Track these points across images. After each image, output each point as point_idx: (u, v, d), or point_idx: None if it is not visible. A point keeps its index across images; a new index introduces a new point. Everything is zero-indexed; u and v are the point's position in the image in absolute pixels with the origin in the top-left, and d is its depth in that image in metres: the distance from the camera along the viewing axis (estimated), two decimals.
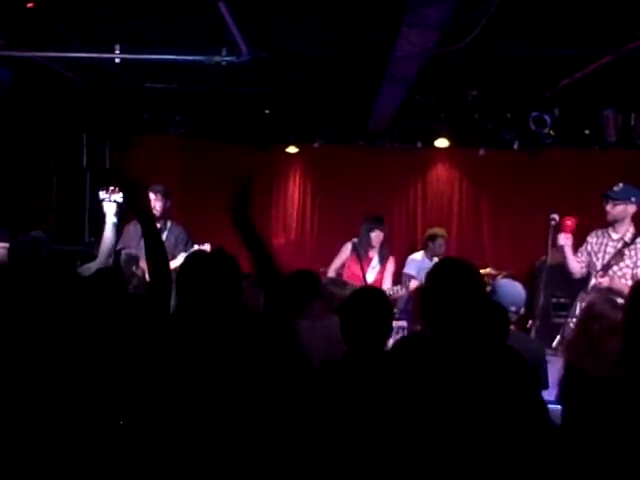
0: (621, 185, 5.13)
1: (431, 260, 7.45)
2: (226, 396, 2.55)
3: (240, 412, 2.54)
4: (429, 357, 2.58)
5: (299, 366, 3.08)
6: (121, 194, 5.00)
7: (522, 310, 4.14)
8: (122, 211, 5.28)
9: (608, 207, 5.11)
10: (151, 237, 2.91)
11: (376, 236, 6.64)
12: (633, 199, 5.10)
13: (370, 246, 6.71)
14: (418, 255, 7.42)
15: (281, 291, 2.74)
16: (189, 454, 2.48)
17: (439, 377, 2.48)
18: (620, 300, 4.70)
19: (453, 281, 2.64)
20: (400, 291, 6.47)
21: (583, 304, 4.70)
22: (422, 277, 7.37)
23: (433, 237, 7.13)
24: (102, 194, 5.32)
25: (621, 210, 5.09)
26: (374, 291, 3.31)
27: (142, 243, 5.90)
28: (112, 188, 5.24)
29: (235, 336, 2.68)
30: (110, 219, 5.17)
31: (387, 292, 6.34)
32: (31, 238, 5.07)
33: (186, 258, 2.94)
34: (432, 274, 2.77)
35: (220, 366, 2.61)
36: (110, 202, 5.16)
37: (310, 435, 2.58)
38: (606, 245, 5.17)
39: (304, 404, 2.64)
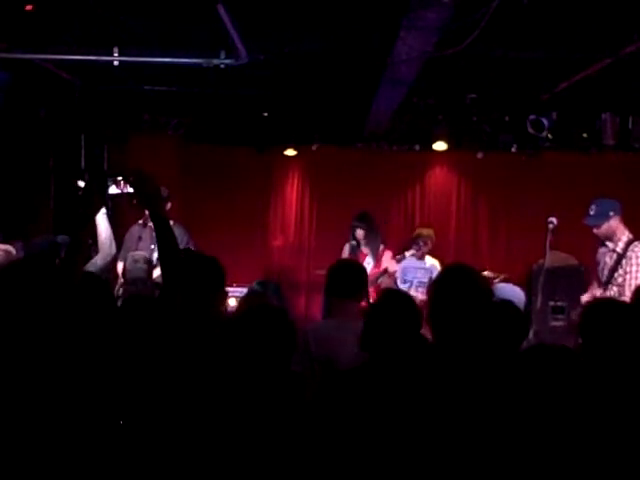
0: (594, 207, 5.07)
1: (418, 259, 7.47)
2: (225, 395, 2.56)
3: (240, 412, 2.54)
4: (434, 365, 2.56)
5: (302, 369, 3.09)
6: (130, 187, 4.83)
7: None
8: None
9: (594, 231, 5.11)
10: (162, 230, 2.82)
11: (357, 233, 6.74)
12: (611, 213, 5.05)
13: (359, 243, 6.78)
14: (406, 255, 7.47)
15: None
16: (188, 454, 2.48)
17: (443, 385, 2.46)
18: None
19: (459, 287, 2.64)
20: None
21: None
22: (410, 277, 7.42)
23: (415, 237, 7.23)
24: (113, 188, 5.11)
25: (606, 228, 5.08)
26: (402, 296, 3.28)
27: (140, 245, 6.01)
28: (122, 180, 5.05)
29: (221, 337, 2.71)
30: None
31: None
32: (52, 242, 4.98)
33: None
34: (438, 280, 2.79)
35: (215, 367, 2.62)
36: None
37: (318, 441, 2.57)
38: (604, 254, 5.22)
39: (317, 408, 2.65)
